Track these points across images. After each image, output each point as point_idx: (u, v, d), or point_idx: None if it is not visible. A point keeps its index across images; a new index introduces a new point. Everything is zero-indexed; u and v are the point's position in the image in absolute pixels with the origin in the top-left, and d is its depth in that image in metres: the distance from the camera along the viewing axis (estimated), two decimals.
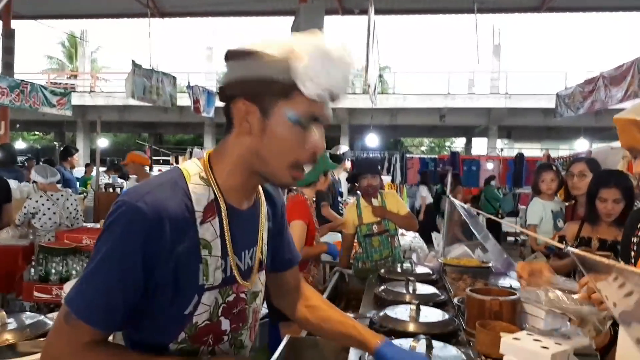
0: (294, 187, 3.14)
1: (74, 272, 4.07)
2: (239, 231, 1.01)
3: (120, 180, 8.54)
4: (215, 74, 22.54)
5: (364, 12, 11.93)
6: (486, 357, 1.61)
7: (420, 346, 1.43)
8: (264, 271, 1.13)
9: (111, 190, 7.06)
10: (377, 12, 7.52)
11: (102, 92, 21.07)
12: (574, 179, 3.03)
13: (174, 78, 7.53)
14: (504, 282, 2.72)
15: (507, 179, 12.12)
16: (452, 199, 3.31)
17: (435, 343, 1.55)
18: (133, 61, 6.29)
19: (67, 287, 2.93)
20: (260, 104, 0.93)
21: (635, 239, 1.51)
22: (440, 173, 11.84)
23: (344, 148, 6.37)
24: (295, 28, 7.73)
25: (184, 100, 9.50)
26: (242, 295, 1.04)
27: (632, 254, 1.49)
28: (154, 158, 18.78)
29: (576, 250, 0.99)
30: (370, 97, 6.56)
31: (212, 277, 0.96)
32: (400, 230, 4.18)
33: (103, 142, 16.57)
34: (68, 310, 0.89)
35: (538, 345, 1.30)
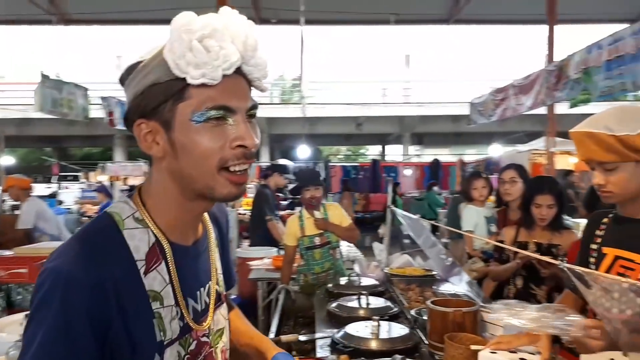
0: None
1: None
2: (190, 271, 0.90)
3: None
4: None
5: (282, 21, 11.99)
6: None
7: None
8: (224, 304, 1.02)
9: (17, 212, 6.43)
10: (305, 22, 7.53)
11: None
12: (505, 186, 3.17)
13: (86, 90, 7.04)
14: (448, 288, 2.78)
15: (423, 184, 12.61)
16: (394, 208, 3.35)
17: None
18: (42, 72, 5.79)
19: None
20: (159, 118, 0.80)
21: (594, 246, 1.57)
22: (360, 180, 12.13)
23: (283, 161, 6.30)
24: None
25: (94, 112, 8.92)
26: (204, 339, 0.92)
27: (592, 260, 1.54)
28: (62, 174, 17.49)
29: (569, 266, 0.99)
30: (302, 108, 6.56)
31: (170, 330, 0.84)
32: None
33: (8, 160, 15.01)
34: None
35: (516, 358, 1.31)
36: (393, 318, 2.25)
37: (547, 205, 2.59)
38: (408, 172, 12.64)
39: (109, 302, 0.76)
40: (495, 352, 1.38)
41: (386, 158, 23.46)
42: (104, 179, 13.55)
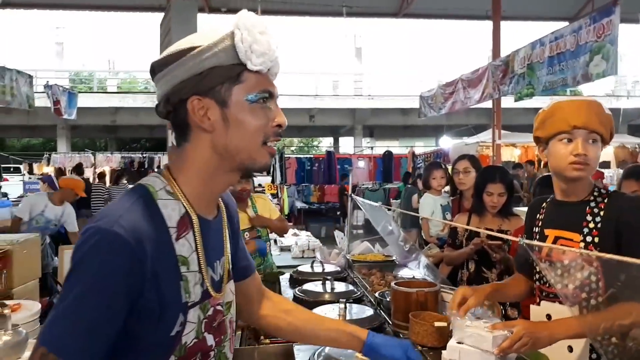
0: None
1: None
2: (210, 242, 0.99)
3: None
4: (68, 72, 20.62)
5: (231, 11, 11.85)
6: (422, 346, 1.71)
7: None
8: (232, 280, 1.10)
9: None
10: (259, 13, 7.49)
11: None
12: (459, 175, 3.33)
13: (30, 77, 6.73)
14: (406, 273, 2.91)
15: (376, 175, 12.87)
16: (355, 197, 3.45)
17: None
18: None
19: None
20: (216, 96, 0.92)
21: (536, 229, 1.71)
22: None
23: None
24: (166, 25, 7.40)
25: (38, 101, 8.56)
26: (219, 307, 1.01)
27: (536, 241, 1.68)
28: (3, 166, 16.64)
29: (527, 241, 1.11)
30: None
31: (193, 293, 0.93)
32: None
33: None
34: (44, 351, 0.79)
35: (484, 329, 1.41)
36: (357, 301, 2.34)
37: (498, 193, 2.74)
38: (361, 163, 12.85)
39: (145, 262, 0.84)
40: (469, 325, 1.46)
41: (339, 150, 23.68)
42: (49, 170, 12.99)
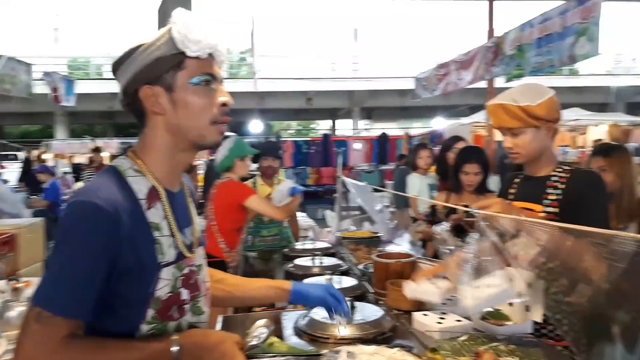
0: (224, 176, 3.24)
1: None
2: (178, 211, 1.14)
3: None
4: (65, 59, 20.60)
5: None
6: (397, 310, 1.89)
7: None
8: (202, 246, 1.25)
9: None
10: None
11: None
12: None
13: (29, 65, 6.84)
14: (392, 248, 3.08)
15: (372, 157, 12.99)
16: (344, 178, 3.60)
17: (356, 303, 1.79)
18: None
19: None
20: (163, 84, 1.06)
21: (508, 202, 1.87)
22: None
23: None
24: (163, 9, 7.47)
25: (36, 87, 8.65)
26: (193, 268, 1.16)
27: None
28: (1, 153, 16.75)
29: (482, 212, 1.26)
30: (254, 82, 6.63)
31: (167, 254, 1.07)
32: None
33: None
34: (38, 310, 0.93)
35: (432, 287, 1.62)
36: (344, 273, 2.51)
37: (474, 172, 2.92)
38: (358, 145, 12.97)
39: (121, 227, 0.98)
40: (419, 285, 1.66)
41: (336, 132, 23.75)
42: (49, 157, 13.11)
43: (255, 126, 13.52)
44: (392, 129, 22.69)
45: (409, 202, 4.48)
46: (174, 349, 0.99)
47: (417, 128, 20.94)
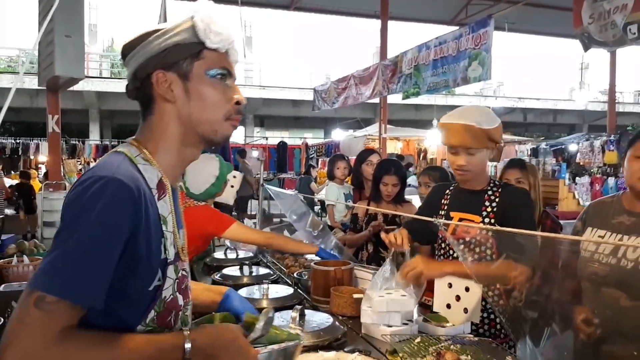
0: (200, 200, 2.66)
1: None
2: (177, 209, 1.07)
3: None
4: None
5: None
6: (341, 315, 1.94)
7: (295, 313, 1.68)
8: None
9: None
10: None
11: None
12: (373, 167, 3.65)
13: None
14: (315, 255, 3.12)
15: (270, 165, 13.05)
16: (268, 186, 3.59)
17: (306, 311, 1.81)
18: None
19: None
20: (178, 71, 1.01)
21: (442, 212, 2.02)
22: None
23: None
24: None
25: None
26: (184, 272, 1.07)
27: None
28: None
29: (443, 220, 1.36)
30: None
31: (170, 251, 1.00)
32: None
33: None
34: (39, 295, 0.80)
35: (380, 296, 1.71)
36: (274, 282, 2.51)
37: (392, 184, 3.09)
38: (255, 153, 12.93)
39: (142, 208, 0.91)
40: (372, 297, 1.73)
41: (230, 139, 23.40)
42: None
43: None
44: (285, 137, 22.97)
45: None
46: (187, 345, 0.90)
47: (310, 138, 21.40)
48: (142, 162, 0.99)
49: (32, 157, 13.32)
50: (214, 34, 1.01)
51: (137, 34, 1.03)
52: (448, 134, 1.88)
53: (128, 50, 1.03)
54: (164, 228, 0.99)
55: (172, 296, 1.00)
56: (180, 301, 1.03)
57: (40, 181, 9.22)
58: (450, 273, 1.80)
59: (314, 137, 22.60)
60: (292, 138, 22.48)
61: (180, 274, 1.04)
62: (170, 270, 1.00)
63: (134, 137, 1.06)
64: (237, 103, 1.06)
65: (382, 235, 1.99)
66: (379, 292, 1.78)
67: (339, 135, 12.53)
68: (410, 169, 10.51)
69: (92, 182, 0.88)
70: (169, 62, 1.00)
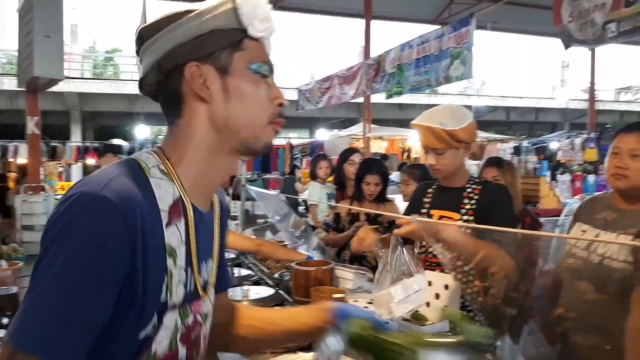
0: None
1: None
2: (202, 238, 0.86)
3: None
4: None
5: None
6: None
7: None
8: (213, 290, 0.94)
9: None
10: None
11: None
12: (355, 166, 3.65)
13: None
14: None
15: (254, 165, 13.00)
16: (250, 187, 3.57)
17: None
18: None
19: None
20: (215, 63, 0.82)
21: (424, 210, 2.04)
22: None
23: (117, 141, 5.98)
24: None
25: None
26: (199, 318, 0.87)
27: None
28: None
29: (419, 218, 1.36)
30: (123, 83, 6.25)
31: (175, 292, 0.79)
32: None
33: None
34: (11, 350, 0.66)
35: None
36: (255, 283, 2.50)
37: (375, 183, 3.10)
38: None
39: (138, 234, 0.72)
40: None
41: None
42: None
43: (141, 131, 12.74)
44: None
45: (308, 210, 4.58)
46: None
47: (295, 138, 21.38)
48: (157, 176, 0.80)
49: (10, 159, 13.07)
50: (259, 20, 0.82)
51: (165, 14, 0.83)
52: (419, 135, 1.93)
53: (150, 33, 0.82)
54: (169, 263, 0.78)
55: (167, 350, 0.80)
56: (182, 355, 0.82)
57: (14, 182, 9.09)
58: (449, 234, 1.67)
59: (299, 137, 22.56)
60: (276, 138, 22.35)
61: (190, 320, 0.84)
62: (170, 318, 0.79)
63: (159, 144, 0.88)
64: (280, 105, 0.88)
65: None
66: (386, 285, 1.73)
67: (323, 135, 12.53)
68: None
69: (72, 202, 0.70)
70: (204, 52, 0.81)
